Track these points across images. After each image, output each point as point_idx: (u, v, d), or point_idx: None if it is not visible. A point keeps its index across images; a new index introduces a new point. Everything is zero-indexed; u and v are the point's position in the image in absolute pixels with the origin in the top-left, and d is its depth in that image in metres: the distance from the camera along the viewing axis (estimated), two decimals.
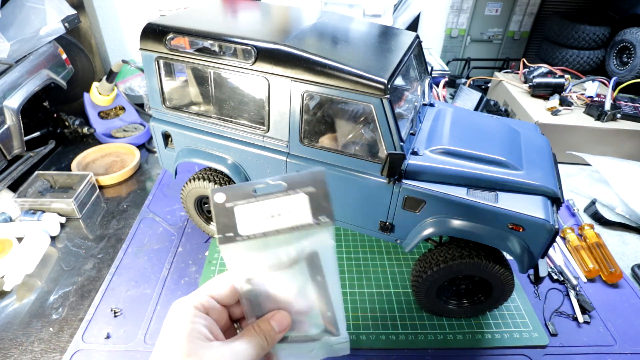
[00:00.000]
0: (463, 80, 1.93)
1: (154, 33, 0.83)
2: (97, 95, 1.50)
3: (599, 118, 1.50)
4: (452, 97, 1.85)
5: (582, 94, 1.62)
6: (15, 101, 1.19)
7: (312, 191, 0.41)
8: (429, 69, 1.02)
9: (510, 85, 1.74)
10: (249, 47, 0.77)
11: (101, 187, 1.30)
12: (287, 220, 0.41)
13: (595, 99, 1.58)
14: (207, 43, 0.82)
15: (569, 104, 1.55)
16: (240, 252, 0.42)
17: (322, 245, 0.43)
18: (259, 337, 0.43)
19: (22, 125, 1.22)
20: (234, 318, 0.47)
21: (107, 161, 1.42)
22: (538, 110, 1.55)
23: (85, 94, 1.58)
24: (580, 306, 0.94)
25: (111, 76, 1.44)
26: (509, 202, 0.74)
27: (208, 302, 0.43)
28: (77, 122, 1.52)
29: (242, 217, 0.41)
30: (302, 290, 0.46)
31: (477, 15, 2.04)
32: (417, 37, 0.96)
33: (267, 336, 0.43)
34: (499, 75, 1.84)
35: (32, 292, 0.95)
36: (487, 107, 1.67)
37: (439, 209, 0.78)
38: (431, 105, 1.00)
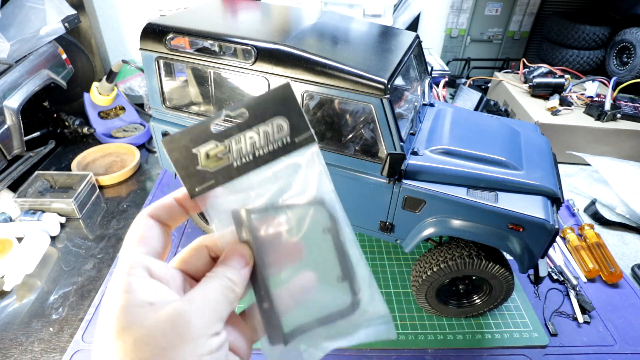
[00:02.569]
0: (463, 80, 1.93)
1: (154, 33, 0.83)
2: (97, 95, 1.50)
3: (599, 118, 1.50)
4: (452, 97, 1.85)
5: (582, 94, 1.62)
6: (15, 101, 1.19)
7: (282, 110, 0.37)
8: (429, 69, 1.02)
9: (510, 85, 1.74)
10: (249, 47, 0.77)
11: (101, 187, 1.30)
12: (262, 152, 0.38)
13: (595, 99, 1.58)
14: (207, 43, 0.82)
15: (569, 104, 1.55)
16: (220, 202, 0.38)
17: (311, 171, 0.39)
18: (217, 280, 0.35)
19: (22, 125, 1.22)
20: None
21: (107, 161, 1.42)
22: (538, 110, 1.55)
23: (85, 94, 1.58)
24: (580, 306, 0.94)
25: (111, 76, 1.44)
26: (509, 202, 0.74)
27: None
28: (77, 122, 1.52)
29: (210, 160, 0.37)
30: (308, 244, 0.39)
31: (477, 15, 2.04)
32: (417, 37, 0.96)
33: (230, 277, 0.35)
34: (499, 75, 1.84)
35: (32, 292, 0.95)
36: (487, 107, 1.67)
37: (439, 209, 0.78)
38: (431, 105, 1.00)
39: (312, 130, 0.38)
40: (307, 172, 0.39)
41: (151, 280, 0.33)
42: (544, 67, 1.72)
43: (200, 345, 0.29)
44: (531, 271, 1.01)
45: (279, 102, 0.37)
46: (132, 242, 0.35)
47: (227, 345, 0.32)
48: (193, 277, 0.38)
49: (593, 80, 1.69)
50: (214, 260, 0.39)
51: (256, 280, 0.38)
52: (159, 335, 0.29)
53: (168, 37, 0.82)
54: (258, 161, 0.38)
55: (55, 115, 1.55)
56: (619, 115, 1.50)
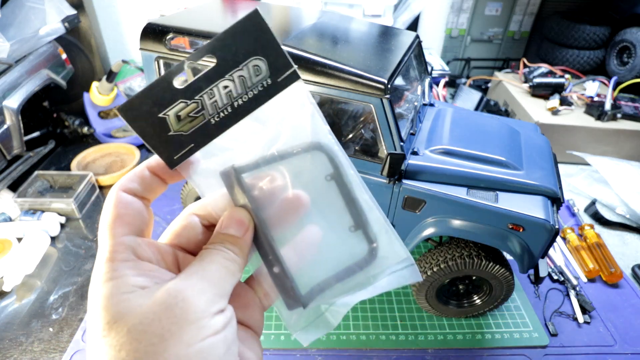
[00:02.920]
0: (463, 80, 1.93)
1: (154, 33, 0.83)
2: (97, 95, 1.50)
3: (599, 118, 1.50)
4: (452, 97, 1.85)
5: (582, 94, 1.62)
6: (15, 101, 1.19)
7: (255, 48, 0.32)
8: (429, 68, 1.02)
9: (510, 85, 1.74)
10: None
11: (101, 187, 1.30)
12: (242, 100, 0.33)
13: (596, 98, 1.58)
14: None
15: (569, 104, 1.55)
16: (205, 166, 0.34)
17: (301, 113, 0.34)
18: (215, 252, 0.31)
19: (22, 125, 1.22)
20: None
21: (107, 161, 1.42)
22: (538, 110, 1.55)
23: (85, 94, 1.58)
24: (581, 306, 0.94)
25: (111, 76, 1.44)
26: (509, 202, 0.74)
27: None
28: (77, 122, 1.52)
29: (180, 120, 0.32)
30: (311, 194, 0.35)
31: (477, 15, 2.03)
32: (417, 37, 0.95)
33: (230, 247, 0.32)
34: (499, 75, 1.84)
35: (32, 292, 0.95)
36: (487, 107, 1.67)
37: (439, 209, 0.78)
38: (431, 105, 1.00)
39: (295, 66, 0.33)
40: (297, 116, 0.35)
41: (139, 262, 0.29)
42: (544, 67, 1.72)
43: (203, 326, 0.26)
44: (531, 271, 1.01)
45: (250, 38, 0.32)
46: (109, 223, 0.30)
47: (234, 322, 0.29)
48: (189, 252, 0.34)
49: (593, 80, 1.69)
50: (209, 229, 0.35)
51: (261, 243, 0.35)
52: (155, 321, 0.25)
53: (168, 37, 0.82)
54: (238, 112, 0.33)
55: (55, 115, 1.55)
56: (619, 115, 1.50)
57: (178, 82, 0.31)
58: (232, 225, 0.33)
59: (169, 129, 0.32)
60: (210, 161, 0.34)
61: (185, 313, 0.26)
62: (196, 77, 0.31)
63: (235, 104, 0.33)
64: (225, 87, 0.32)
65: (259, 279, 0.35)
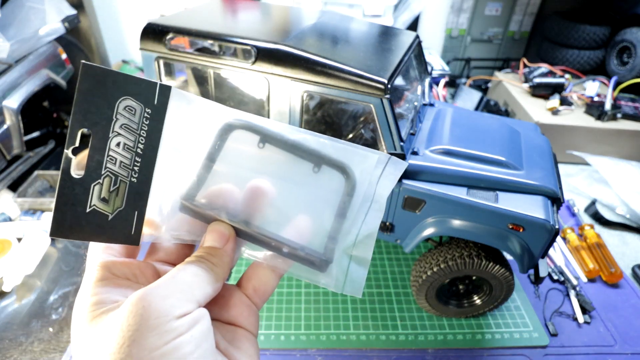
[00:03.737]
0: (463, 80, 1.93)
1: (154, 33, 0.83)
2: None
3: (599, 118, 1.50)
4: (452, 97, 1.85)
5: (582, 94, 1.62)
6: (15, 101, 1.19)
7: (113, 94, 0.31)
8: (429, 68, 1.02)
9: (511, 85, 1.74)
10: (249, 47, 0.77)
11: None
12: (141, 142, 0.33)
13: (596, 98, 1.58)
14: (207, 43, 0.82)
15: (569, 104, 1.55)
16: (161, 221, 0.35)
17: (190, 109, 0.34)
18: (193, 262, 0.32)
19: (22, 125, 1.22)
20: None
21: None
22: (538, 110, 1.55)
23: None
24: (581, 306, 0.94)
25: None
26: (509, 202, 0.74)
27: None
28: None
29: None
30: (262, 168, 0.36)
31: (477, 15, 2.03)
32: (417, 37, 0.95)
33: (208, 257, 0.33)
34: (499, 75, 1.84)
35: (32, 292, 0.95)
36: (487, 107, 1.67)
37: (439, 209, 0.78)
38: (431, 105, 1.00)
39: (157, 80, 0.32)
40: (195, 116, 0.34)
41: (118, 280, 0.32)
42: (544, 67, 1.72)
43: (165, 330, 0.27)
44: (531, 271, 1.01)
45: (100, 90, 0.30)
46: (98, 247, 0.34)
47: (205, 321, 0.30)
48: (172, 263, 0.37)
49: (593, 80, 1.69)
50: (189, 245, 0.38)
51: (256, 238, 0.35)
52: (119, 331, 0.27)
53: (168, 37, 0.82)
54: (148, 155, 0.32)
55: (55, 115, 1.55)
56: (619, 115, 1.50)
57: (75, 171, 0.31)
58: (212, 238, 0.34)
59: (106, 215, 0.31)
60: (159, 212, 0.34)
61: (146, 319, 0.27)
62: (88, 156, 0.31)
63: (139, 150, 0.32)
64: (118, 144, 0.31)
65: (259, 271, 0.36)
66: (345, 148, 0.36)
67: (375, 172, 0.36)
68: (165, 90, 0.32)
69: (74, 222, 0.31)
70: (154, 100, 0.32)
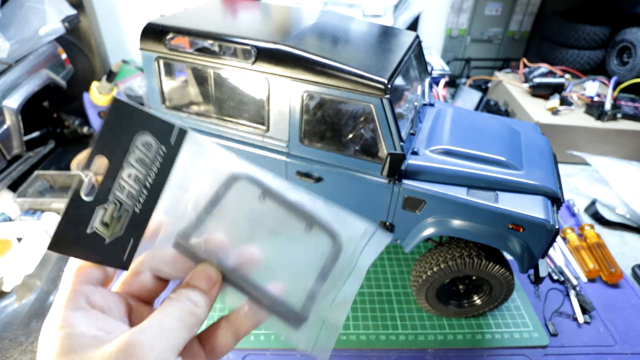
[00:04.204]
0: (463, 80, 1.93)
1: (154, 33, 0.83)
2: (97, 95, 1.50)
3: (599, 118, 1.50)
4: (452, 97, 1.85)
5: (582, 94, 1.62)
6: (15, 101, 1.19)
7: (133, 128, 0.34)
8: (429, 68, 1.02)
9: (511, 85, 1.74)
10: (249, 47, 0.77)
11: None
12: (151, 178, 0.34)
13: (596, 98, 1.58)
14: (207, 43, 0.82)
15: (569, 104, 1.55)
16: (153, 254, 0.36)
17: (204, 159, 0.36)
18: (176, 304, 0.32)
19: (22, 125, 1.22)
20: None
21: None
22: (538, 110, 1.55)
23: (85, 94, 1.58)
24: (581, 306, 0.94)
25: (111, 76, 1.44)
26: (509, 202, 0.74)
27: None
28: (77, 122, 1.52)
29: None
30: (256, 221, 0.38)
31: (477, 15, 2.03)
32: (417, 37, 0.95)
33: (193, 299, 0.32)
34: (499, 75, 1.84)
35: (32, 292, 0.95)
36: (487, 107, 1.67)
37: (439, 209, 0.78)
38: (431, 105, 1.00)
39: (177, 123, 0.34)
40: (204, 162, 0.37)
41: (91, 311, 0.30)
42: (544, 67, 1.72)
43: None
44: (531, 271, 1.00)
45: (124, 124, 0.33)
46: (74, 269, 0.32)
47: None
48: (142, 299, 0.36)
49: (593, 80, 1.69)
50: (159, 279, 0.36)
51: (239, 286, 0.36)
52: None
53: (168, 37, 0.82)
54: (155, 190, 0.34)
55: (55, 115, 1.55)
56: (619, 115, 1.50)
57: (85, 194, 0.32)
58: (200, 279, 0.34)
59: (104, 239, 0.33)
60: (153, 247, 0.35)
61: None
62: (102, 179, 0.33)
63: (147, 184, 0.34)
64: (129, 175, 0.33)
65: (239, 321, 0.36)
66: (337, 214, 0.38)
67: (361, 242, 0.38)
68: (182, 132, 0.35)
69: (73, 241, 0.32)
70: (171, 140, 0.34)
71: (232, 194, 0.37)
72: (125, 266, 0.34)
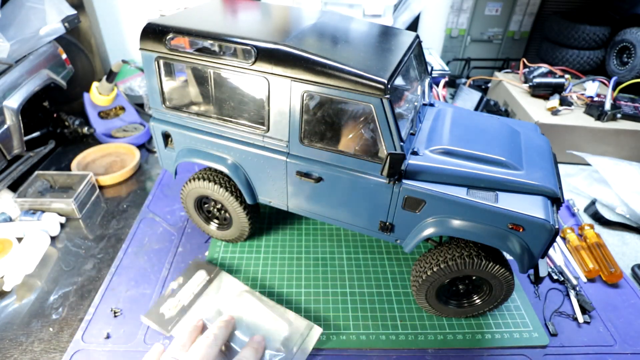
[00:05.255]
0: (463, 80, 1.93)
1: (154, 33, 0.83)
2: (97, 95, 1.50)
3: (599, 118, 1.50)
4: (452, 97, 1.85)
5: (582, 94, 1.62)
6: (15, 101, 1.19)
7: (197, 268, 0.96)
8: (429, 68, 1.02)
9: (510, 85, 1.74)
10: (249, 47, 0.77)
11: (101, 187, 1.30)
12: (194, 290, 0.91)
13: (595, 99, 1.58)
14: (207, 43, 0.82)
15: (569, 104, 1.55)
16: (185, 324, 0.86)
17: (224, 280, 0.95)
18: (254, 348, 0.75)
19: (22, 125, 1.22)
20: None
21: (107, 161, 1.42)
22: (538, 110, 1.55)
23: (85, 94, 1.58)
24: (580, 306, 0.94)
25: (111, 76, 1.44)
26: (509, 202, 0.74)
27: None
28: (77, 122, 1.52)
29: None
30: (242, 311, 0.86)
31: (477, 15, 2.03)
32: (417, 37, 0.95)
33: (258, 347, 0.76)
34: (499, 75, 1.84)
35: (32, 292, 0.95)
36: (487, 107, 1.67)
37: (439, 209, 0.78)
38: (431, 105, 1.00)
39: (216, 266, 0.92)
40: (222, 286, 0.92)
41: None
42: (544, 67, 1.72)
43: None
44: (531, 271, 1.01)
45: (199, 267, 0.95)
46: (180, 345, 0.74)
47: None
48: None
49: (593, 80, 1.69)
50: None
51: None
52: None
53: (168, 37, 0.82)
54: (199, 295, 0.89)
55: (55, 115, 1.55)
56: (619, 115, 1.50)
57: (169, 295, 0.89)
58: (258, 340, 0.79)
59: (165, 315, 0.86)
60: (188, 324, 0.84)
61: None
62: (177, 292, 0.89)
63: (194, 293, 0.90)
64: (189, 289, 0.90)
65: None
66: (293, 315, 0.86)
67: (303, 331, 0.83)
68: (218, 271, 0.95)
69: (157, 316, 0.85)
70: (211, 276, 0.94)
71: (235, 300, 0.88)
72: (167, 331, 0.84)
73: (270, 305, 0.86)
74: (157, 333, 0.85)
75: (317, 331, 0.83)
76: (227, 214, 1.03)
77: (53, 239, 1.10)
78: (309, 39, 0.81)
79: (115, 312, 0.89)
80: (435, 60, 1.86)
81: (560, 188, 0.79)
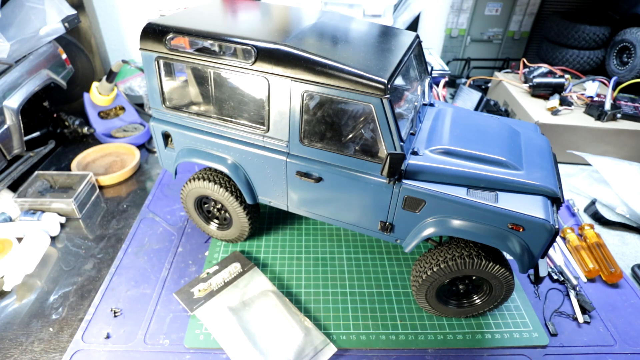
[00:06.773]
0: (463, 80, 1.93)
1: (154, 33, 0.83)
2: (97, 95, 1.50)
3: (599, 118, 1.50)
4: (452, 97, 1.85)
5: (582, 94, 1.62)
6: (15, 101, 1.19)
7: (233, 260, 0.98)
8: (429, 68, 1.02)
9: (510, 85, 1.74)
10: (248, 47, 0.77)
11: (101, 187, 1.30)
12: (226, 279, 0.93)
13: (595, 98, 1.58)
14: (207, 43, 0.82)
15: (569, 104, 1.55)
16: (213, 309, 0.87)
17: (255, 278, 0.96)
18: None
19: (22, 125, 1.22)
20: None
21: (107, 161, 1.42)
22: (538, 110, 1.55)
23: (85, 94, 1.58)
24: (580, 306, 0.94)
25: (111, 76, 1.44)
26: (509, 202, 0.74)
27: None
28: (77, 122, 1.52)
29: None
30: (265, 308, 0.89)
31: (477, 15, 2.04)
32: (417, 37, 0.95)
33: None
34: (499, 75, 1.84)
35: (32, 292, 0.95)
36: (487, 107, 1.67)
37: (439, 209, 0.78)
38: (431, 105, 1.00)
39: (252, 262, 0.95)
40: (251, 281, 0.93)
41: None
42: (544, 67, 1.72)
43: None
44: (531, 271, 1.01)
45: (229, 260, 0.97)
46: None
47: None
48: None
49: (593, 80, 1.69)
50: None
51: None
52: None
53: (168, 37, 0.82)
54: (227, 284, 0.91)
55: (55, 115, 1.55)
56: (619, 115, 1.50)
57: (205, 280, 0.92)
58: None
59: (194, 294, 0.89)
60: (213, 307, 0.87)
61: None
62: (211, 277, 0.93)
63: (225, 281, 0.92)
64: (222, 276, 0.93)
65: None
66: (309, 326, 0.85)
67: (316, 343, 0.82)
68: (251, 267, 0.96)
69: (187, 294, 0.90)
70: (244, 269, 0.96)
71: (260, 297, 0.90)
72: (191, 310, 0.86)
73: (292, 312, 0.86)
74: (157, 333, 0.85)
75: (330, 350, 0.81)
76: (227, 214, 1.03)
77: (53, 239, 1.10)
78: (309, 39, 0.81)
79: (115, 312, 0.89)
80: (435, 60, 1.86)
81: (561, 188, 0.79)
